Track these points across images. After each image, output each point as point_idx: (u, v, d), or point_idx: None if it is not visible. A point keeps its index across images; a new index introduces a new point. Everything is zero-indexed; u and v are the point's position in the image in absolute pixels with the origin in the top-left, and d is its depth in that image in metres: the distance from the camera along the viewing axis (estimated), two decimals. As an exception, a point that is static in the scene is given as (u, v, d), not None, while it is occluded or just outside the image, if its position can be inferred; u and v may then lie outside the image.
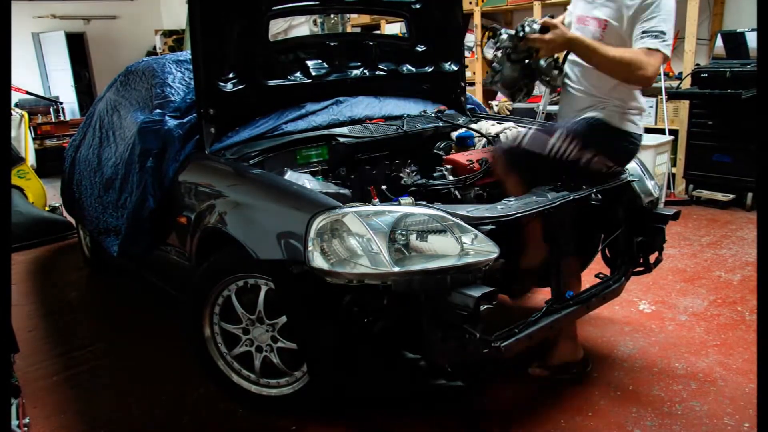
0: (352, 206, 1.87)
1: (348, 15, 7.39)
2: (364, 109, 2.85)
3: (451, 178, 2.37)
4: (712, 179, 4.68)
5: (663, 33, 1.98)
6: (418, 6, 3.02)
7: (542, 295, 2.63)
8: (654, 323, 2.86)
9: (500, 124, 2.98)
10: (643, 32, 1.99)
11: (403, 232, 1.80)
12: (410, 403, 2.31)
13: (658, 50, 1.98)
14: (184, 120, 2.55)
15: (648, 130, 5.08)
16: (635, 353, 2.60)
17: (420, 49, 3.12)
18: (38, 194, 5.15)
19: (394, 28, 6.83)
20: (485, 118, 3.14)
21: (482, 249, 1.81)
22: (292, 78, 2.71)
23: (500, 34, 2.23)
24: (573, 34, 2.08)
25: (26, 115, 6.48)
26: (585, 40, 2.05)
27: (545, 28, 2.05)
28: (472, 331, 1.75)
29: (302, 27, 8.03)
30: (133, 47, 10.98)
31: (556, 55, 2.27)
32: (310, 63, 2.76)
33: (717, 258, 3.65)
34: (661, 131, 4.96)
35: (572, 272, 2.37)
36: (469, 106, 3.34)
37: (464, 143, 2.80)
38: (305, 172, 2.47)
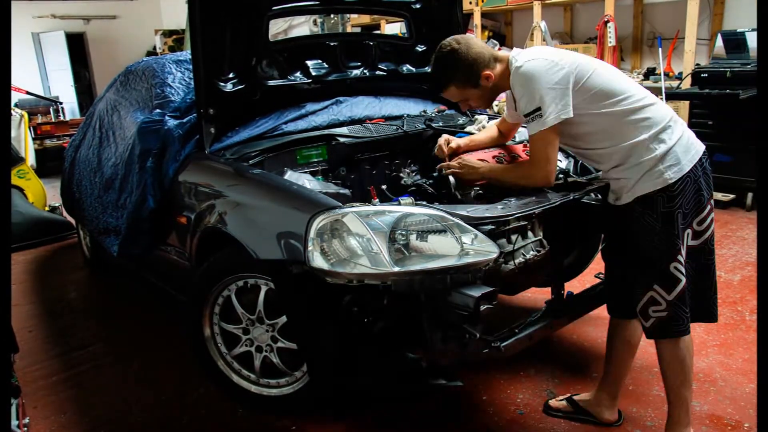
0: (352, 206, 1.87)
1: (348, 15, 7.39)
2: (364, 109, 2.85)
3: (452, 180, 2.37)
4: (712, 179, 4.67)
5: (538, 109, 1.81)
6: (418, 6, 3.02)
7: (542, 295, 2.63)
8: (654, 323, 2.85)
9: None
10: (525, 116, 1.88)
11: (403, 232, 1.80)
12: (410, 403, 2.31)
13: (540, 132, 1.84)
14: (184, 120, 2.55)
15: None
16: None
17: (420, 49, 3.12)
18: (38, 194, 5.15)
19: (394, 28, 6.83)
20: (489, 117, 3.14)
21: (482, 249, 1.81)
22: (292, 78, 2.71)
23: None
24: (482, 167, 2.12)
25: (26, 115, 6.49)
26: (491, 170, 2.10)
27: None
28: (472, 331, 1.75)
29: (302, 27, 8.04)
30: (133, 47, 10.99)
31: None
32: (310, 63, 2.76)
33: (717, 258, 3.63)
34: (661, 131, 4.95)
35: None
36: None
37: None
38: (305, 172, 2.48)
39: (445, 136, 2.38)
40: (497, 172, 2.10)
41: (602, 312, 2.90)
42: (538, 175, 1.94)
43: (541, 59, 1.83)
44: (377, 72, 3.01)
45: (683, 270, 1.79)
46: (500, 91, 2.02)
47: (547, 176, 1.94)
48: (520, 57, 1.89)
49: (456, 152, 2.31)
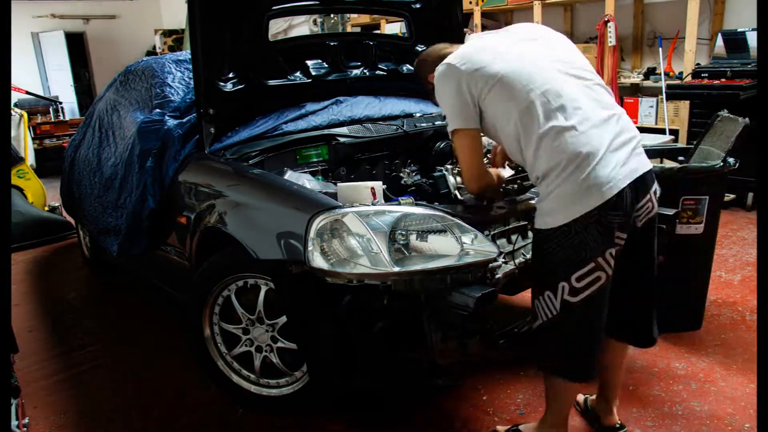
0: (352, 206, 1.87)
1: (348, 15, 7.39)
2: (364, 109, 2.85)
3: (452, 180, 2.37)
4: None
5: (444, 116, 1.80)
6: (418, 6, 3.02)
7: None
8: (654, 323, 2.85)
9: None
10: None
11: (403, 232, 1.80)
12: (410, 403, 2.31)
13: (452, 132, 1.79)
14: (184, 120, 2.55)
15: (648, 130, 5.11)
16: (635, 353, 2.59)
17: (420, 49, 3.12)
18: (38, 194, 5.15)
19: (394, 28, 6.83)
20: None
21: (482, 249, 1.81)
22: (292, 78, 2.71)
23: None
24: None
25: (26, 115, 6.49)
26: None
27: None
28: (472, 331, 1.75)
29: (302, 27, 8.03)
30: (133, 47, 10.98)
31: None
32: (310, 63, 2.76)
33: (717, 258, 3.64)
34: (662, 131, 4.96)
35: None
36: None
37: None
38: (305, 172, 2.47)
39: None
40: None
41: (602, 312, 2.91)
42: (464, 178, 1.86)
43: (446, 64, 1.76)
44: (377, 72, 3.01)
45: (543, 312, 1.71)
46: None
47: (468, 182, 1.85)
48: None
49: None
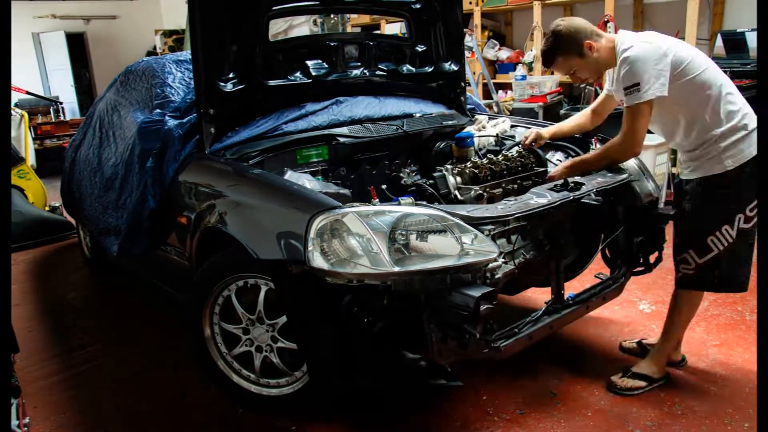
0: (352, 206, 1.87)
1: (348, 15, 7.39)
2: (364, 109, 2.85)
3: (452, 180, 2.37)
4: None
5: (637, 85, 2.02)
6: (418, 6, 3.02)
7: (542, 295, 2.63)
8: (654, 323, 2.85)
9: (503, 122, 2.99)
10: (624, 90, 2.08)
11: (403, 232, 1.80)
12: (410, 403, 2.31)
13: (635, 104, 2.05)
14: (184, 120, 2.55)
15: (648, 130, 5.10)
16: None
17: (420, 49, 3.12)
18: (38, 194, 5.16)
19: (394, 28, 6.83)
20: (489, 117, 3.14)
21: (482, 249, 1.81)
22: (292, 78, 2.71)
23: None
24: (568, 163, 2.41)
25: (26, 115, 6.49)
26: (583, 161, 2.37)
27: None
28: (472, 331, 1.75)
29: (302, 27, 8.03)
30: (133, 47, 11.00)
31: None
32: (310, 63, 2.76)
33: (717, 258, 3.64)
34: (661, 131, 4.96)
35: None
36: (468, 106, 3.34)
37: (464, 143, 2.80)
38: (305, 172, 2.47)
39: (534, 130, 2.62)
40: (590, 162, 2.34)
41: (602, 312, 2.91)
42: (626, 144, 2.15)
43: (647, 44, 2.04)
44: (377, 72, 3.01)
45: (719, 244, 2.11)
46: (606, 66, 2.22)
47: (634, 147, 2.15)
48: (627, 40, 2.10)
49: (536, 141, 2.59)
